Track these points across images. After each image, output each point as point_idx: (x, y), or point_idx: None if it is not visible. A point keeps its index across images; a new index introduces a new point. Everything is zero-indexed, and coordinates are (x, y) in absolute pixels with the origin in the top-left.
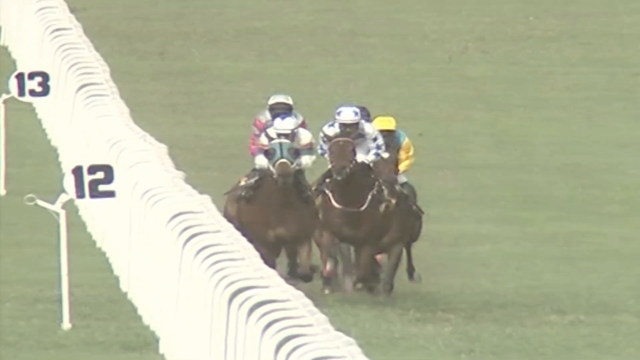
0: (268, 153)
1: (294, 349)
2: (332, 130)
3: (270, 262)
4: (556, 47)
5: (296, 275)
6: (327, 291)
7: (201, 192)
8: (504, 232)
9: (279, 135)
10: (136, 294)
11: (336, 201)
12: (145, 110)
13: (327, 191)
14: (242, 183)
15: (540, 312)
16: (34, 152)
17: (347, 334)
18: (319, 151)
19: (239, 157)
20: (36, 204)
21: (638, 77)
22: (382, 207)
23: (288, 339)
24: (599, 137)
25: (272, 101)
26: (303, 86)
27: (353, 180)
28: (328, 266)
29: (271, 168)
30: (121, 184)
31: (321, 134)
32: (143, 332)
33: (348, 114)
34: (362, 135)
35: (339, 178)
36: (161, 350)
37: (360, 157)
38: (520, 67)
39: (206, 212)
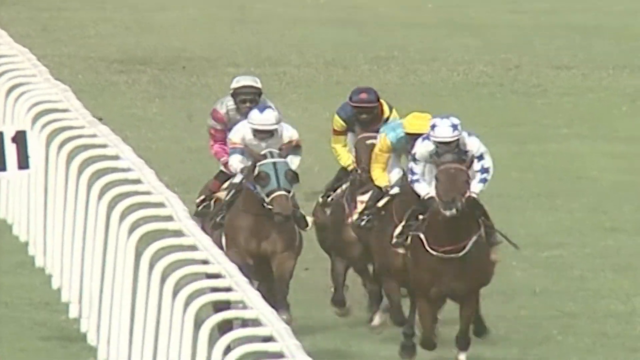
0: (260, 178)
1: (21, 94)
2: (424, 147)
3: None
4: None
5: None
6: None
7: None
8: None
9: (258, 132)
10: None
11: (431, 245)
12: None
13: (420, 235)
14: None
15: (219, 64)
16: None
17: None
18: (409, 177)
19: None
20: None
21: None
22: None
23: (16, 86)
24: None
25: (236, 84)
26: None
27: (455, 219)
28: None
29: (264, 197)
30: None
31: (412, 154)
32: None
33: (444, 130)
34: (463, 154)
35: (447, 213)
36: None
37: None
38: None
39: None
